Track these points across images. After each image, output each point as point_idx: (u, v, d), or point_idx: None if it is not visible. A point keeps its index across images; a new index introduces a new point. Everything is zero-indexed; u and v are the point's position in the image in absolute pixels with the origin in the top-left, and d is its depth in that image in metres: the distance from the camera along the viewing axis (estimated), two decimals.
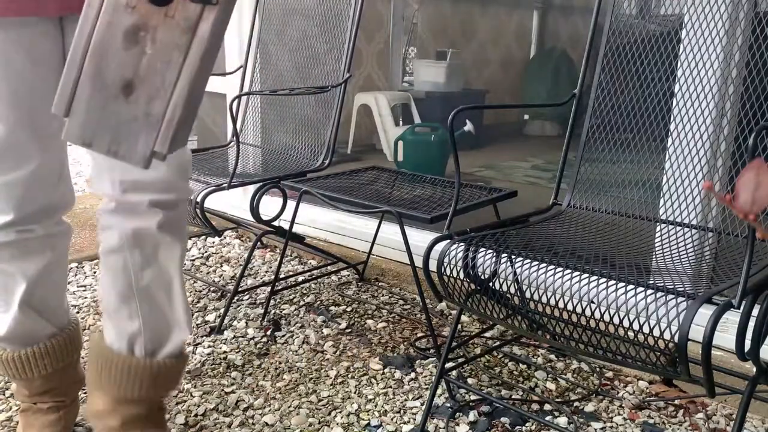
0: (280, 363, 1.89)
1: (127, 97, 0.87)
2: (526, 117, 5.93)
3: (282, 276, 2.48)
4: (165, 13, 0.86)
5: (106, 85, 0.87)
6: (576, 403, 1.71)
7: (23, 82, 1.19)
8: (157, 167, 1.22)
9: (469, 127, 4.02)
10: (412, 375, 1.84)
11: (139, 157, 0.88)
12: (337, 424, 1.61)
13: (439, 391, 1.72)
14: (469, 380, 1.81)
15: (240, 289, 2.32)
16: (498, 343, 2.01)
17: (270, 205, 2.17)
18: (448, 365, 1.62)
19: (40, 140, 1.24)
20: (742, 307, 1.08)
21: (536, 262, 1.31)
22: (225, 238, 2.97)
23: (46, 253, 1.34)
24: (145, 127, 0.88)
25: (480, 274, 1.37)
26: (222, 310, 2.16)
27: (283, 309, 2.25)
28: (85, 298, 2.30)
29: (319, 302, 2.30)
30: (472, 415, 1.65)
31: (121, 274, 1.29)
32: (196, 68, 0.87)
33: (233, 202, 2.79)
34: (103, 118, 0.87)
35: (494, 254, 1.37)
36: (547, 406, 1.70)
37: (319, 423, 1.62)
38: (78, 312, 2.18)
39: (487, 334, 2.06)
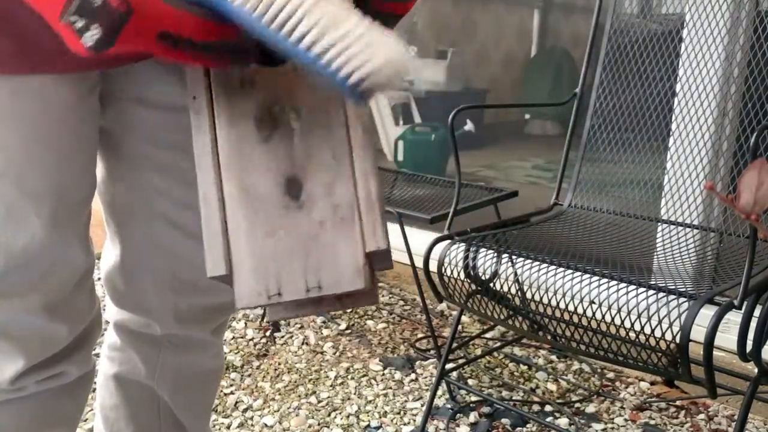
0: (279, 364, 1.89)
1: (299, 199, 0.62)
2: (527, 116, 5.93)
3: None
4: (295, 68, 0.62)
5: (263, 200, 0.62)
6: (577, 404, 1.71)
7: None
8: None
9: (469, 126, 4.01)
10: (413, 376, 1.83)
11: (349, 275, 0.61)
12: (337, 425, 1.61)
13: (439, 392, 1.71)
14: (470, 381, 1.81)
15: None
16: (499, 344, 2.00)
17: None
18: (449, 366, 1.62)
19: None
20: (743, 308, 1.08)
21: (537, 263, 1.31)
22: None
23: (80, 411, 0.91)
24: (340, 229, 0.62)
25: (481, 274, 1.36)
26: None
27: None
28: None
29: None
30: (473, 417, 1.64)
31: (146, 408, 0.98)
32: (366, 114, 0.64)
33: None
34: (279, 246, 0.62)
35: (495, 254, 1.37)
36: (548, 407, 1.69)
37: (319, 424, 1.61)
38: None
39: (488, 335, 2.05)
